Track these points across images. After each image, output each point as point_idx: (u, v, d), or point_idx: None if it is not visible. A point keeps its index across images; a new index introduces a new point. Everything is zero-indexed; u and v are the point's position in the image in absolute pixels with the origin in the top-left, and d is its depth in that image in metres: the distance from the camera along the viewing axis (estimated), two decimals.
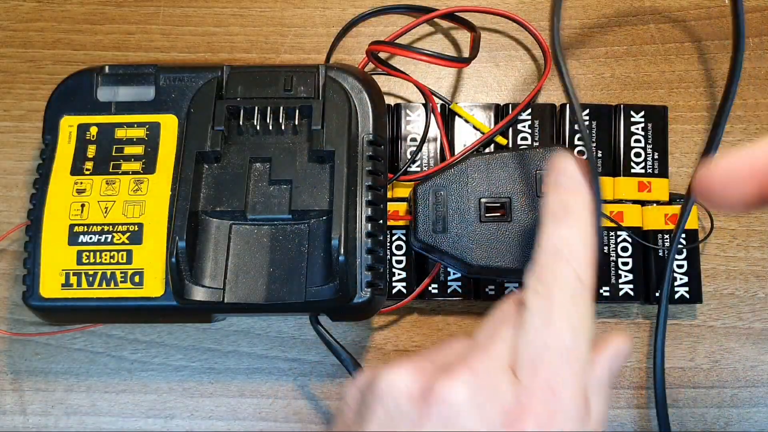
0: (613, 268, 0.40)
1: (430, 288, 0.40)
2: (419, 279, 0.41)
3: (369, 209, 0.36)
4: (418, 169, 0.41)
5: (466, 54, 0.42)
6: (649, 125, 0.41)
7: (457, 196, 0.38)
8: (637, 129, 0.41)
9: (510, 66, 0.44)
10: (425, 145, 0.41)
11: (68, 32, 0.45)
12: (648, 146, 0.41)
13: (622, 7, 0.45)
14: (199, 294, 0.35)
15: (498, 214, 0.38)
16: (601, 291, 0.40)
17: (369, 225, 0.36)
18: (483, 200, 0.38)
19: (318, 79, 0.37)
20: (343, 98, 0.37)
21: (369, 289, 0.35)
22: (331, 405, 0.41)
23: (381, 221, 0.36)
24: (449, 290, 0.40)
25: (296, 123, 0.37)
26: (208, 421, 0.41)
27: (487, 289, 0.40)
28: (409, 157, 0.41)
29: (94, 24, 0.45)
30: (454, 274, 0.40)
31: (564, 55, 0.40)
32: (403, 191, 0.40)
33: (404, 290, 0.40)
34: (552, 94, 0.44)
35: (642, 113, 0.42)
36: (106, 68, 0.38)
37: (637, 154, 0.41)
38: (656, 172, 0.41)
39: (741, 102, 0.43)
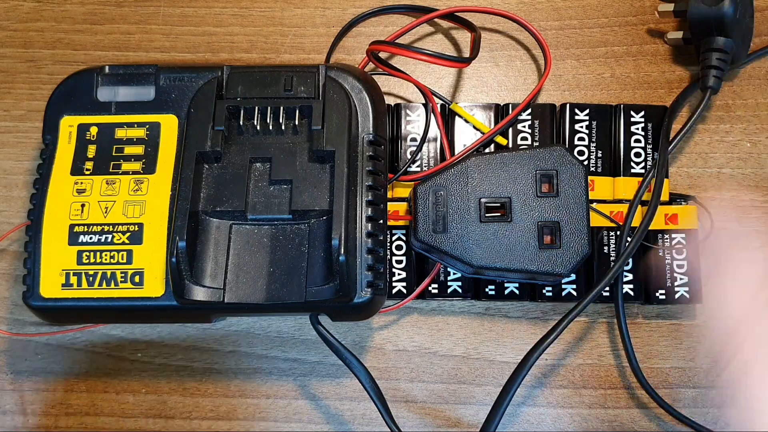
0: None
1: (430, 288, 0.40)
2: (419, 279, 0.41)
3: (369, 209, 0.36)
4: (418, 169, 0.41)
5: (466, 54, 0.42)
6: (649, 125, 0.41)
7: (457, 196, 0.38)
8: (637, 129, 0.41)
9: (510, 66, 0.44)
10: (425, 145, 0.41)
11: (68, 32, 0.45)
12: (648, 146, 0.41)
13: (621, 7, 0.45)
14: (199, 294, 0.35)
15: (498, 214, 0.38)
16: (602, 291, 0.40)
17: (369, 225, 0.36)
18: (483, 200, 0.38)
19: (318, 79, 0.37)
20: (343, 98, 0.37)
21: (369, 289, 0.35)
22: (330, 405, 0.41)
23: (381, 221, 0.36)
24: (449, 290, 0.40)
25: (296, 123, 0.37)
26: (208, 421, 0.41)
27: (487, 289, 0.40)
28: (409, 157, 0.41)
29: (94, 24, 0.45)
30: (454, 274, 0.40)
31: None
32: (403, 191, 0.40)
33: (404, 290, 0.40)
34: (552, 94, 0.44)
35: (642, 113, 0.42)
36: (107, 68, 0.38)
37: (637, 154, 0.41)
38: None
39: (741, 102, 0.43)
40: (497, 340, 0.41)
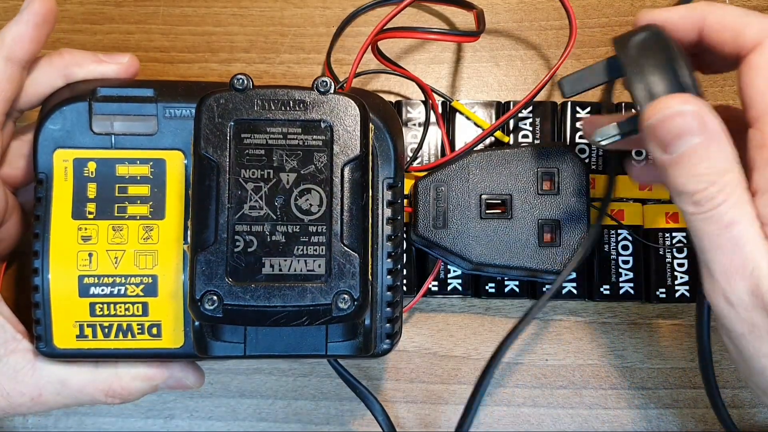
0: (613, 267, 0.40)
1: (430, 286, 0.40)
2: (419, 277, 0.40)
3: (389, 261, 0.34)
4: (419, 165, 0.41)
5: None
6: None
7: (458, 191, 0.38)
8: None
9: (510, 66, 0.44)
10: (425, 143, 0.41)
11: (68, 32, 0.45)
12: None
13: (622, 6, 0.45)
14: (221, 350, 0.33)
15: (498, 210, 0.38)
16: (601, 289, 0.40)
17: (390, 277, 0.34)
18: (484, 197, 0.38)
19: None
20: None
21: (388, 340, 0.34)
22: (330, 405, 0.41)
23: (400, 266, 0.35)
24: (449, 288, 0.40)
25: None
26: (208, 421, 0.41)
27: (487, 287, 0.40)
28: (410, 154, 0.41)
29: (93, 24, 0.45)
30: (454, 271, 0.40)
31: None
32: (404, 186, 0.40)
33: (404, 288, 0.40)
34: (554, 94, 0.44)
35: None
36: (99, 91, 0.34)
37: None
38: None
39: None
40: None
